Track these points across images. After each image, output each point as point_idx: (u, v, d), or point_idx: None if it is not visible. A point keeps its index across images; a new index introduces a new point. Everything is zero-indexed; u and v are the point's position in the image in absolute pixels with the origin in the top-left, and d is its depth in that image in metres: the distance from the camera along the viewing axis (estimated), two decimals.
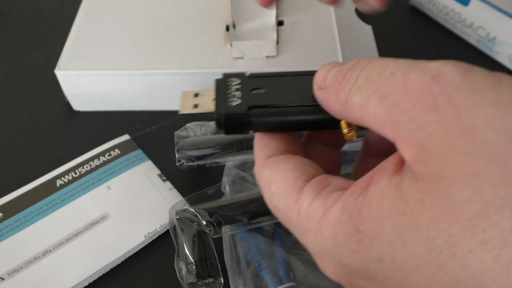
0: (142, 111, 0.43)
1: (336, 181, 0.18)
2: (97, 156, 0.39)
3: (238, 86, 0.19)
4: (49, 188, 0.37)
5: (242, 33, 0.43)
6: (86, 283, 0.32)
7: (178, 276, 0.31)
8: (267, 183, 0.19)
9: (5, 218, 0.35)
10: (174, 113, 0.43)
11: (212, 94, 0.20)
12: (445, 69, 0.14)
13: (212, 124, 0.38)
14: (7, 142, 0.41)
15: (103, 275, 0.33)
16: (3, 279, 0.32)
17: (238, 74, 0.20)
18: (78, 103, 0.43)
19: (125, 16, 0.44)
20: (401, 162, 0.16)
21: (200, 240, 0.31)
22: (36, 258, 0.33)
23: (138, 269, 0.33)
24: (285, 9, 0.45)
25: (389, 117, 0.15)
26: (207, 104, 0.20)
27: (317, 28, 0.43)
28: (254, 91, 0.19)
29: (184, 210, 0.32)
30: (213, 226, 0.31)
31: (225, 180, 0.35)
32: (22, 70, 0.47)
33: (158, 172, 0.38)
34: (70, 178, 0.37)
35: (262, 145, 0.20)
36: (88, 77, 0.41)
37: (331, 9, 0.45)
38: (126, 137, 0.41)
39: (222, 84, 0.20)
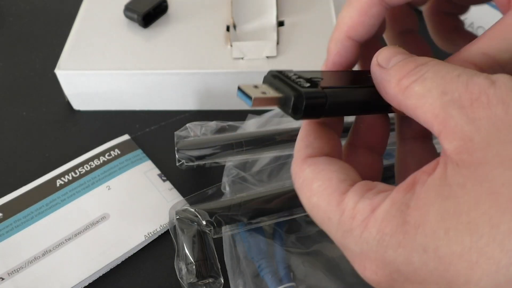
0: (142, 111, 0.43)
1: (380, 185, 0.18)
2: (97, 156, 0.39)
3: (297, 76, 0.19)
4: (49, 188, 0.37)
5: (242, 33, 0.43)
6: (86, 283, 0.32)
7: (178, 276, 0.31)
8: (307, 179, 0.19)
9: (5, 218, 0.35)
10: (174, 113, 0.43)
11: (266, 86, 0.19)
12: (504, 77, 0.16)
13: (212, 124, 0.38)
14: (7, 142, 0.41)
15: (103, 275, 0.33)
16: (3, 279, 0.32)
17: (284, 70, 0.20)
18: (78, 103, 0.43)
19: (125, 16, 0.44)
20: (439, 163, 0.16)
21: (200, 240, 0.31)
22: (36, 258, 0.33)
23: (138, 269, 0.33)
24: (285, 10, 0.45)
25: (443, 111, 0.16)
26: (272, 92, 0.19)
27: (317, 28, 0.43)
28: (313, 79, 0.19)
29: (184, 210, 0.32)
30: (213, 226, 0.31)
31: (225, 180, 0.35)
32: (22, 70, 0.47)
33: (158, 172, 0.38)
34: (70, 178, 0.37)
35: (307, 143, 0.20)
36: (88, 77, 0.41)
37: (331, 9, 0.45)
38: (126, 137, 0.41)
39: (276, 77, 0.19)
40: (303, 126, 0.21)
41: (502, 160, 0.15)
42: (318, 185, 0.18)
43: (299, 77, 0.19)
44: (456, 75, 0.16)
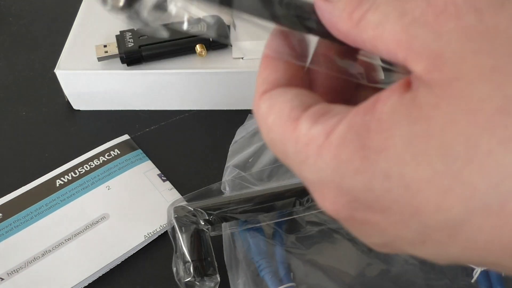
0: (142, 111, 0.43)
1: (337, 108, 0.16)
2: (96, 156, 0.39)
3: None
4: (49, 188, 0.37)
5: (242, 33, 0.42)
6: (86, 283, 0.32)
7: (175, 275, 0.31)
8: (263, 117, 0.17)
9: (4, 218, 0.35)
10: (174, 113, 0.43)
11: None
12: None
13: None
14: (7, 142, 0.41)
15: (103, 275, 0.33)
16: (2, 279, 0.32)
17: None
18: (78, 103, 0.43)
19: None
20: (409, 84, 0.15)
21: (197, 239, 0.31)
22: (35, 258, 0.33)
23: (138, 269, 0.33)
24: None
25: (406, 33, 0.14)
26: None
27: None
28: None
29: (182, 208, 0.31)
30: (211, 224, 0.31)
31: (225, 180, 0.35)
32: (22, 70, 0.47)
33: (158, 172, 0.38)
34: (70, 178, 0.37)
35: (262, 78, 0.18)
36: (88, 77, 0.41)
37: None
38: (126, 137, 0.41)
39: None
40: (261, 61, 0.19)
41: (479, 73, 0.13)
42: (272, 118, 0.17)
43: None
44: None
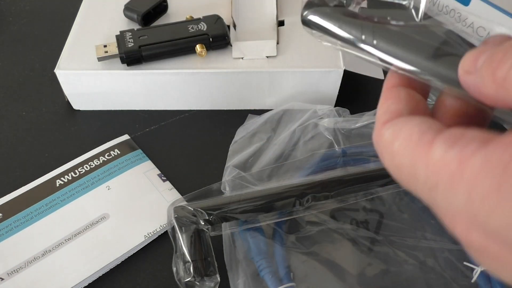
0: (142, 111, 0.43)
1: (472, 132, 0.15)
2: (96, 156, 0.39)
3: None
4: (49, 188, 0.37)
5: (242, 33, 0.42)
6: (86, 283, 0.32)
7: (175, 275, 0.31)
8: (387, 143, 0.17)
9: (4, 218, 0.35)
10: (174, 113, 0.43)
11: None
12: None
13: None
14: (7, 142, 0.41)
15: (103, 275, 0.33)
16: (2, 279, 0.32)
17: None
18: (78, 102, 0.43)
19: (124, 15, 0.44)
20: None
21: (197, 239, 0.31)
22: (35, 258, 0.33)
23: (138, 269, 0.33)
24: (285, 9, 0.45)
25: None
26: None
27: None
28: None
29: (182, 208, 0.31)
30: (211, 224, 0.31)
31: (225, 180, 0.35)
32: (22, 70, 0.47)
33: (158, 172, 0.38)
34: (70, 178, 0.37)
35: (384, 109, 0.18)
36: (88, 77, 0.41)
37: None
38: (126, 137, 0.41)
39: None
40: (382, 93, 0.19)
41: None
42: (399, 143, 0.17)
43: None
44: None
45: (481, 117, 0.19)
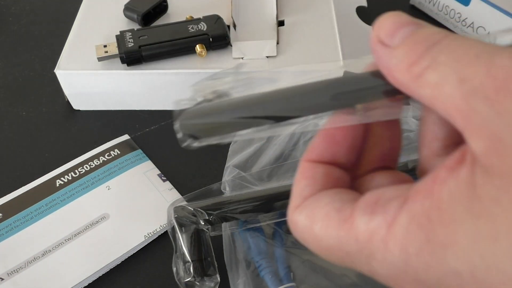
0: (142, 111, 0.43)
1: (387, 192, 0.16)
2: (96, 156, 0.39)
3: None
4: (49, 188, 0.37)
5: (242, 33, 0.42)
6: (86, 283, 0.32)
7: (175, 275, 0.31)
8: (306, 228, 0.17)
9: (4, 218, 0.35)
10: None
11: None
12: None
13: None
14: (7, 142, 0.41)
15: (103, 275, 0.33)
16: (2, 279, 0.32)
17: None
18: (78, 103, 0.43)
19: (124, 16, 0.44)
20: (466, 160, 0.14)
21: (197, 239, 0.31)
22: (35, 258, 0.33)
23: (138, 269, 0.33)
24: (286, 9, 0.45)
25: (466, 103, 0.13)
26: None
27: (317, 28, 0.43)
28: None
29: (183, 208, 0.31)
30: (211, 224, 0.31)
31: (225, 180, 0.35)
32: (22, 70, 0.47)
33: (158, 172, 0.38)
34: (70, 178, 0.37)
35: (298, 192, 0.18)
36: (88, 77, 0.41)
37: (332, 9, 0.45)
38: (126, 137, 0.41)
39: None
40: (299, 165, 0.19)
41: None
42: (319, 227, 0.16)
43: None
44: (474, 56, 0.14)
45: (394, 155, 0.19)
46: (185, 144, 0.18)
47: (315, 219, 0.16)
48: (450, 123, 0.14)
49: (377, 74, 0.16)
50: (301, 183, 0.18)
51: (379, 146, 0.19)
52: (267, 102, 0.18)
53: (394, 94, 0.17)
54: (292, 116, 0.17)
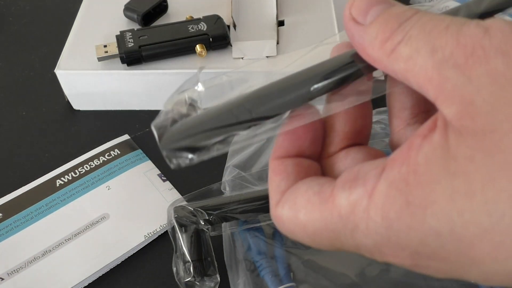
0: (142, 111, 0.43)
1: (364, 166, 0.16)
2: (97, 156, 0.39)
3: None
4: (49, 188, 0.37)
5: (242, 33, 0.42)
6: (86, 283, 0.32)
7: (175, 275, 0.31)
8: (291, 218, 0.17)
9: (4, 218, 0.35)
10: None
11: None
12: (496, 23, 0.14)
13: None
14: (7, 142, 0.41)
15: (103, 275, 0.33)
16: (2, 279, 0.32)
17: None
18: (78, 103, 0.43)
19: (124, 16, 0.44)
20: (438, 126, 0.15)
21: (197, 239, 0.31)
22: (35, 258, 0.33)
23: (138, 269, 0.33)
24: (286, 9, 0.45)
25: (437, 72, 0.14)
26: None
27: (317, 28, 0.43)
28: None
29: (183, 208, 0.31)
30: (211, 224, 0.31)
31: (225, 180, 0.35)
32: (22, 70, 0.47)
33: (158, 172, 0.38)
34: (70, 178, 0.37)
35: (274, 188, 0.18)
36: (88, 77, 0.41)
37: (332, 9, 0.45)
38: (126, 137, 0.41)
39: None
40: (269, 164, 0.19)
41: None
42: (303, 213, 0.16)
43: None
44: (444, 28, 0.14)
45: (366, 132, 0.20)
46: (174, 164, 0.18)
47: (297, 207, 0.17)
48: (422, 95, 0.15)
49: (350, 55, 0.17)
50: (275, 179, 0.18)
51: (352, 123, 0.19)
52: (248, 102, 0.18)
53: (368, 71, 0.17)
54: (272, 114, 0.18)
